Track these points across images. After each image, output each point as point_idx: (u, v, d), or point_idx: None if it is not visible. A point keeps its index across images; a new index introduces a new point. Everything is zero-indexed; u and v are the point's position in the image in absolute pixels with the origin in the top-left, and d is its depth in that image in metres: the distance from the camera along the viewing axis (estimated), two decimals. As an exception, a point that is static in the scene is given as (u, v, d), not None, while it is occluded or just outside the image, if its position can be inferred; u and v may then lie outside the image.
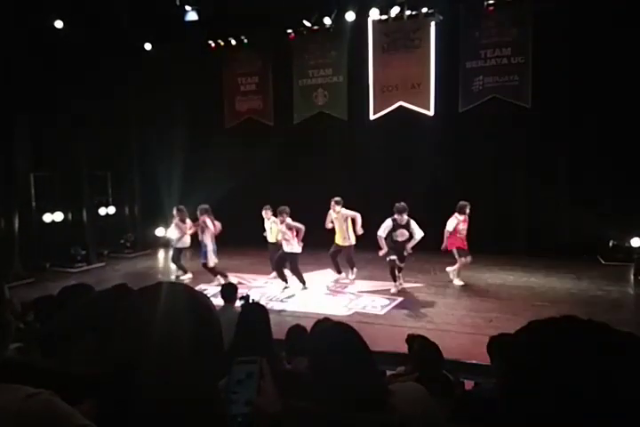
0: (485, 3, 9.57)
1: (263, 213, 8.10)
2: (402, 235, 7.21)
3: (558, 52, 9.10)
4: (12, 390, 0.94)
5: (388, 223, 7.23)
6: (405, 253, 7.35)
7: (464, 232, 7.60)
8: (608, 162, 8.99)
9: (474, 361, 4.61)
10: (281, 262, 7.73)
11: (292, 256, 7.55)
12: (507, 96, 9.72)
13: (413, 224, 7.22)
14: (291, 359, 3.22)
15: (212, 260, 8.05)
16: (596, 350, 0.70)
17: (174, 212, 8.48)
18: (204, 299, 0.97)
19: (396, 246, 7.24)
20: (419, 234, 7.19)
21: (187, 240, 8.40)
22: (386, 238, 7.26)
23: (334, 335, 1.63)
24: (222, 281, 7.80)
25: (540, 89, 9.37)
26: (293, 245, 7.43)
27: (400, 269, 7.50)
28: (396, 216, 7.17)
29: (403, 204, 7.18)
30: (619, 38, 8.43)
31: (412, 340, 3.43)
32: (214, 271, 8.18)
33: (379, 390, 1.54)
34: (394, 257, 7.25)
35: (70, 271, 9.53)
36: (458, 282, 7.78)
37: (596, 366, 0.68)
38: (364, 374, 1.52)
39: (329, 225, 8.02)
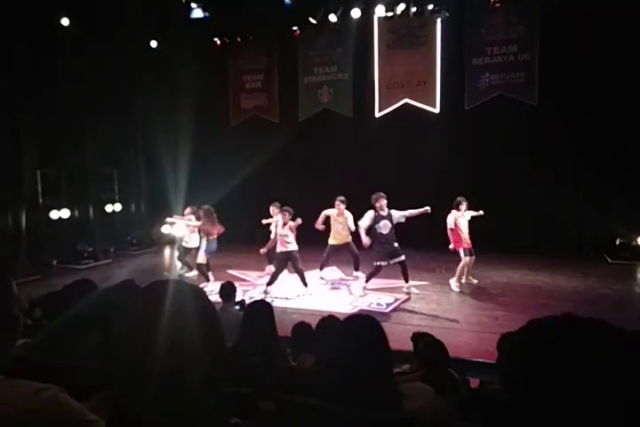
0: (492, -1, 9.53)
1: (271, 209, 8.08)
2: (385, 226, 6.91)
3: (565, 49, 9.04)
4: (20, 385, 0.95)
5: (369, 214, 6.97)
6: (396, 245, 6.98)
7: (466, 229, 7.36)
8: (615, 160, 8.93)
9: (479, 359, 4.60)
10: (297, 264, 7.35)
11: (296, 254, 7.36)
12: (513, 93, 9.68)
13: (396, 212, 6.96)
14: (296, 356, 3.23)
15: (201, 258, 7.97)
16: (595, 347, 0.70)
17: (188, 210, 8.23)
18: (205, 298, 0.98)
19: (387, 241, 6.91)
20: (405, 213, 6.96)
21: (195, 240, 8.14)
22: (369, 233, 6.99)
23: (363, 329, 1.62)
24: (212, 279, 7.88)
25: (547, 86, 9.32)
26: (293, 244, 7.28)
27: (405, 269, 7.12)
28: (376, 207, 6.94)
29: (379, 193, 6.94)
30: (626, 34, 8.36)
31: (418, 338, 3.42)
32: (201, 270, 8.01)
33: (390, 389, 1.53)
34: (384, 263, 6.95)
35: (77, 268, 9.58)
36: (473, 280, 7.69)
37: (594, 364, 0.68)
38: (378, 372, 1.51)
39: (320, 226, 7.85)
